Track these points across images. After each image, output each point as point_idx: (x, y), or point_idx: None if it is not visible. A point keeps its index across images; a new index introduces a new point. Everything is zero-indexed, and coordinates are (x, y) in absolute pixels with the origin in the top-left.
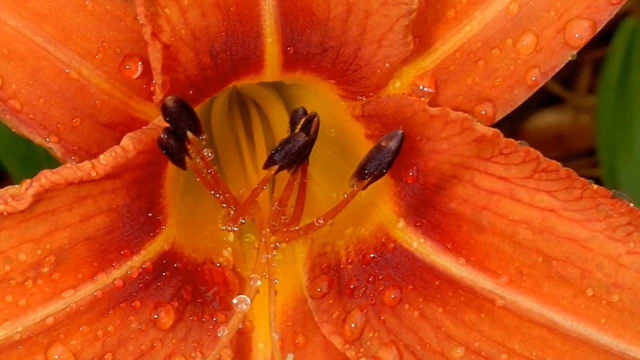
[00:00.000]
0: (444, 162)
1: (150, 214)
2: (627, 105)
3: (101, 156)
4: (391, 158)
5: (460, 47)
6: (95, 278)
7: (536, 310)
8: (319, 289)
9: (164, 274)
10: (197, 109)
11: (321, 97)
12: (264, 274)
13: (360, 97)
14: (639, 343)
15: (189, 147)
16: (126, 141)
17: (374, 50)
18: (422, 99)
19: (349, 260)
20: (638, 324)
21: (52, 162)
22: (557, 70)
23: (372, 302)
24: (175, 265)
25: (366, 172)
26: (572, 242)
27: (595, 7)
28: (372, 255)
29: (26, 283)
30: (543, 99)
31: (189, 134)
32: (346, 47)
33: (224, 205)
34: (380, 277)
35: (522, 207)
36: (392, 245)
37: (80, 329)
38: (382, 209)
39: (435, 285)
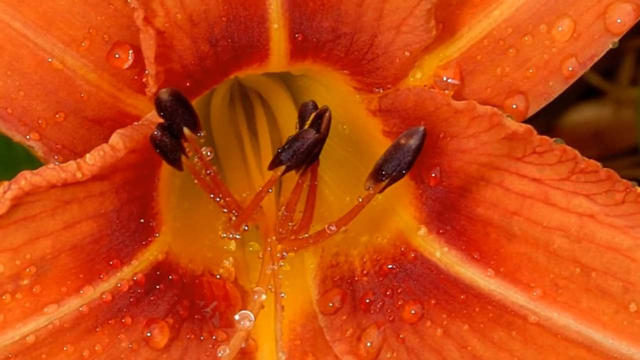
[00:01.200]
0: (471, 162)
1: (142, 220)
2: None
3: (88, 155)
4: (411, 157)
5: (488, 33)
6: (81, 291)
7: (573, 327)
8: (330, 304)
9: (157, 287)
10: (195, 102)
11: (333, 90)
12: (270, 287)
13: (376, 90)
14: None
15: (185, 145)
16: (115, 139)
17: (392, 37)
18: (446, 91)
19: (365, 272)
20: None
21: (33, 162)
22: (596, 59)
23: (390, 319)
24: (170, 277)
25: (383, 174)
26: (613, 251)
27: None
28: (390, 266)
29: (4, 297)
30: (581, 92)
31: (186, 130)
32: (361, 33)
33: (225, 210)
34: (399, 291)
35: (557, 213)
36: (413, 255)
37: (64, 348)
38: (402, 215)
39: (461, 300)
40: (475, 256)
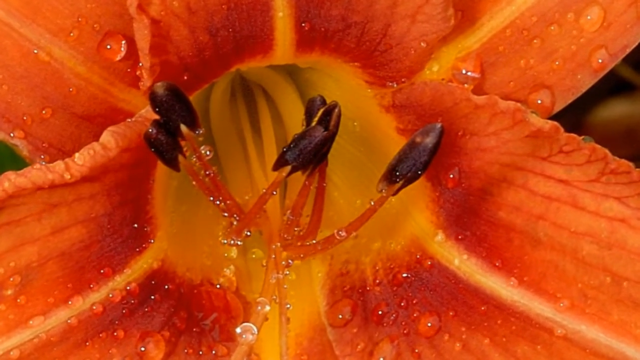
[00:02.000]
0: (492, 162)
1: (136, 225)
2: None
3: (77, 155)
4: (428, 157)
5: (511, 22)
6: (70, 302)
7: (603, 341)
8: (340, 316)
9: (152, 297)
10: (193, 97)
11: (343, 84)
12: (274, 297)
13: (390, 84)
14: None
15: (183, 143)
16: (107, 137)
17: (407, 27)
18: (465, 85)
19: (377, 281)
20: None
21: (17, 162)
22: (628, 50)
23: (405, 332)
24: (166, 286)
25: (398, 174)
26: None
27: None
28: (404, 275)
29: None
30: (611, 86)
31: (183, 127)
32: (373, 22)
33: (226, 214)
34: (414, 302)
35: (586, 217)
36: (429, 263)
37: None
38: (417, 219)
39: (481, 312)
40: (497, 264)
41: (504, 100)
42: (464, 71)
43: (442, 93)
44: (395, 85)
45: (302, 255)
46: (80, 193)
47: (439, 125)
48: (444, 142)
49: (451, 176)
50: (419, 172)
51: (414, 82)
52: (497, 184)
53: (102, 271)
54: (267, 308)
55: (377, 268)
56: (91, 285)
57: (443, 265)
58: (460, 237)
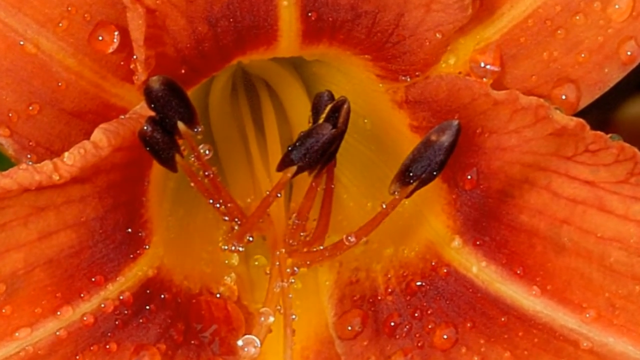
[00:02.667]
0: (513, 162)
1: (129, 230)
2: None
3: (66, 154)
4: (444, 156)
5: (533, 12)
6: (59, 313)
7: (632, 354)
8: (349, 327)
9: (147, 307)
10: (191, 93)
11: (352, 78)
12: (278, 307)
13: (403, 78)
14: None
15: (180, 142)
16: (99, 135)
17: (421, 16)
18: (484, 79)
19: (389, 290)
20: None
21: (2, 162)
22: None
23: (419, 344)
24: (162, 296)
25: (411, 175)
26: None
27: None
28: (418, 284)
29: None
30: None
31: (181, 125)
32: (385, 12)
33: (226, 218)
34: (429, 312)
35: (614, 221)
36: (445, 271)
37: None
38: (432, 224)
39: (501, 323)
40: (518, 272)
41: (526, 96)
42: (482, 64)
43: (459, 88)
44: (408, 80)
45: (308, 262)
46: (69, 195)
47: (455, 122)
48: (461, 140)
49: (469, 177)
50: (435, 173)
51: (429, 76)
52: (518, 186)
53: (93, 279)
54: (271, 319)
55: (389, 276)
56: (82, 295)
57: (460, 272)
58: (478, 242)
